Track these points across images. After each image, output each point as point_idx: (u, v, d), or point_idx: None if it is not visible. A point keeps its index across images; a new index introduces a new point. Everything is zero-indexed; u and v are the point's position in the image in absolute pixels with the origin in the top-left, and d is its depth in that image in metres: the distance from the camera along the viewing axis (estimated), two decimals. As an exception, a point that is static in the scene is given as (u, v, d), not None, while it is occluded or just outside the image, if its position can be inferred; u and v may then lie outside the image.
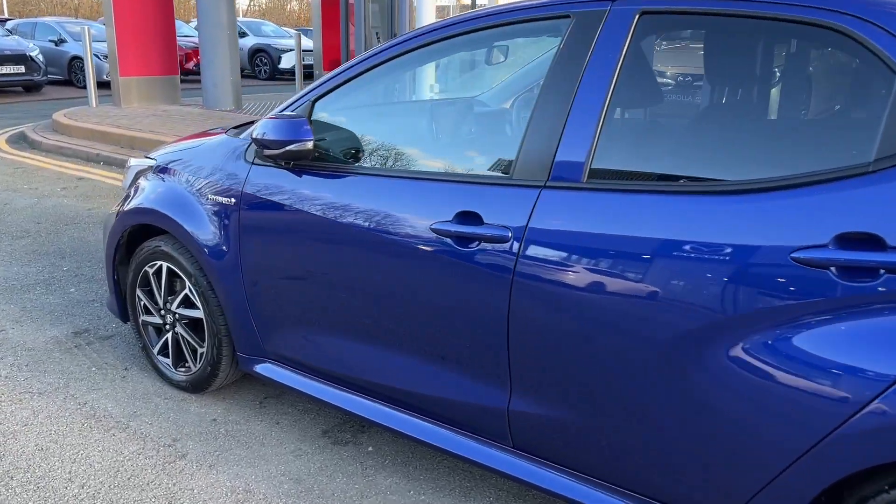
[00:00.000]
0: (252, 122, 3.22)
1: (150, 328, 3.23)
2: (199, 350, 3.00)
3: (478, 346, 2.15)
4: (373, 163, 2.51)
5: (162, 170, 3.03)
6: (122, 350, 3.53)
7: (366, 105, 2.90)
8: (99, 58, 14.66)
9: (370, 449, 2.76)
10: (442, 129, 3.16)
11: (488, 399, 2.18)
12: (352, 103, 2.69)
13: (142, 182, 3.10)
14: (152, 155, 3.19)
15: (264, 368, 2.81)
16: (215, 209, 2.74)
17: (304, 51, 18.96)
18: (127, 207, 3.08)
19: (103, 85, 13.01)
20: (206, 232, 2.76)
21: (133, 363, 3.40)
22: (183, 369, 3.12)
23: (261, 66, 21.11)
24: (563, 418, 2.05)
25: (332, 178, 2.45)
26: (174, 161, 2.99)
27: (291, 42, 20.00)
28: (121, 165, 7.92)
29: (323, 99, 2.56)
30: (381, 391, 2.48)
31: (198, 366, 3.03)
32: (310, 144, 2.41)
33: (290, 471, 2.62)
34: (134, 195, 3.10)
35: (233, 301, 2.76)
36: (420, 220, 2.20)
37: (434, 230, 2.16)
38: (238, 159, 2.73)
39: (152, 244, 3.02)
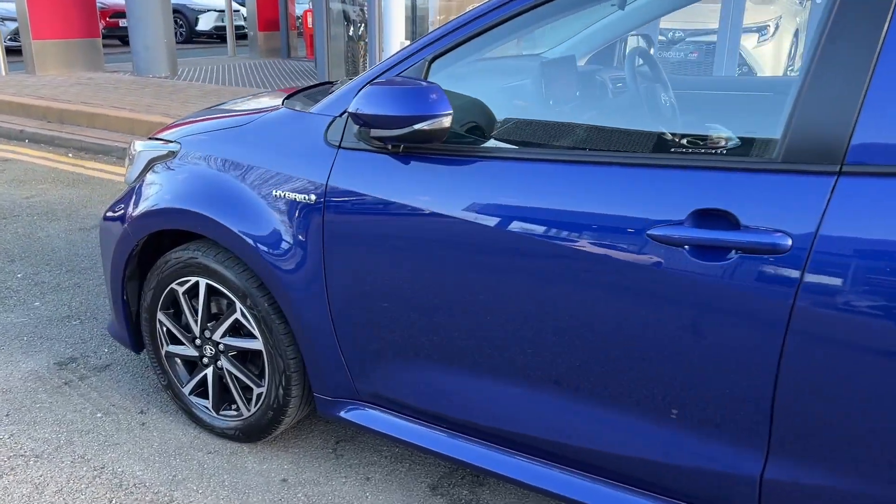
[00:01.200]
0: (313, 89, 2.50)
1: (178, 362, 2.50)
2: (257, 390, 2.31)
3: (720, 395, 1.57)
4: (531, 144, 1.87)
5: (190, 157, 2.28)
6: (129, 385, 2.78)
7: (502, 67, 2.23)
8: (3, 22, 13.08)
9: (501, 509, 2.16)
10: (627, 96, 2.51)
11: (730, 464, 1.61)
12: (481, 66, 2.03)
13: (158, 174, 2.35)
14: (168, 136, 2.43)
15: (357, 415, 2.15)
16: (285, 208, 2.05)
17: (219, 11, 17.68)
18: (141, 208, 2.33)
19: (10, 52, 11.57)
20: (272, 238, 2.06)
21: (150, 403, 2.66)
22: (231, 414, 2.42)
23: (175, 27, 19.61)
24: (853, 491, 1.51)
25: (471, 165, 1.79)
26: (210, 144, 2.26)
27: (209, 1, 18.57)
28: (53, 143, 6.88)
29: (443, 58, 1.89)
30: (537, 446, 1.88)
31: (253, 410, 2.34)
32: (447, 120, 1.74)
33: (410, 551, 2.00)
34: (148, 191, 2.34)
35: (311, 328, 2.08)
36: (626, 222, 1.59)
37: (654, 237, 1.55)
38: (317, 141, 2.02)
39: (183, 255, 2.29)
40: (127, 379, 2.82)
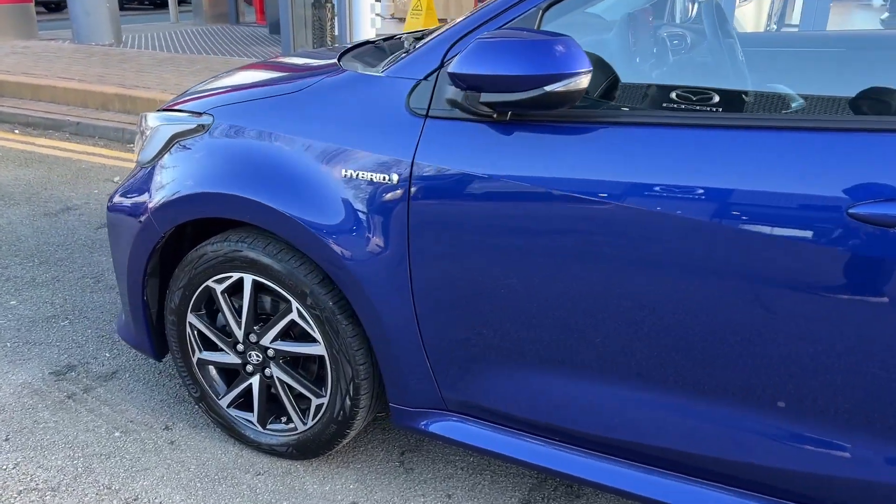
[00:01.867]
0: (375, 45, 2.15)
1: (213, 370, 2.16)
2: (316, 401, 1.99)
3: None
4: (673, 108, 1.58)
5: (228, 130, 1.92)
6: (144, 396, 2.42)
7: (588, 23, 1.91)
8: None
9: (610, 525, 1.91)
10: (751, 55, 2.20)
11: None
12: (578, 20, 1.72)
13: (187, 152, 1.98)
14: (195, 107, 2.05)
15: (443, 427, 1.86)
16: (358, 191, 1.72)
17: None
18: (168, 194, 1.96)
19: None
20: (342, 227, 1.73)
21: (174, 417, 2.31)
22: (281, 428, 2.09)
23: (108, -7, 18.56)
24: None
25: (603, 133, 1.50)
26: (255, 115, 1.90)
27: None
28: (-4, 118, 6.26)
29: (559, 6, 1.58)
30: (661, 455, 1.63)
31: (311, 423, 2.02)
32: (585, 80, 1.44)
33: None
34: (175, 174, 1.97)
35: (392, 330, 1.77)
36: (819, 200, 1.33)
37: (857, 216, 1.30)
38: (397, 110, 1.69)
39: (222, 247, 1.94)
40: (140, 389, 2.46)
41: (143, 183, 2.08)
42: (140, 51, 8.52)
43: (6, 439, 2.19)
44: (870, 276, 1.31)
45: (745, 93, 1.68)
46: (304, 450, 2.06)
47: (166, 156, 2.03)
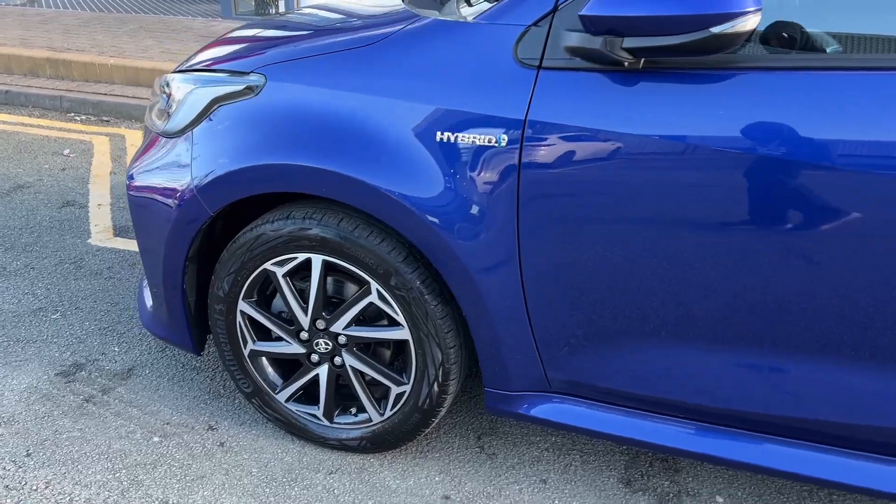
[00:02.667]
0: None
1: (266, 362, 1.94)
2: (397, 389, 1.80)
3: None
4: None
5: (287, 92, 1.67)
6: (173, 393, 2.17)
7: None
8: None
9: (720, 500, 1.81)
10: None
11: None
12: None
13: (234, 119, 1.72)
14: (237, 66, 1.78)
15: (548, 410, 1.71)
16: (456, 156, 1.52)
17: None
18: (217, 168, 1.70)
19: None
20: (438, 197, 1.54)
21: (215, 415, 2.08)
22: (352, 421, 1.90)
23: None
24: None
25: (762, 80, 1.35)
26: (322, 73, 1.65)
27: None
28: None
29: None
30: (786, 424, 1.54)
31: (389, 413, 1.84)
32: (755, 20, 1.27)
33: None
34: (222, 144, 1.72)
35: (495, 308, 1.60)
36: None
37: None
38: (502, 61, 1.49)
39: (284, 226, 1.71)
40: (167, 385, 2.21)
41: (176, 156, 1.81)
42: (59, 10, 7.84)
43: (28, 454, 1.92)
44: None
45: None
46: (381, 442, 1.88)
47: (205, 123, 1.77)
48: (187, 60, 2.03)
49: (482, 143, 1.50)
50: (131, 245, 3.12)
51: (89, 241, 3.16)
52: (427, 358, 1.72)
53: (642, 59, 1.38)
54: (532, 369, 1.68)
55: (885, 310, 1.35)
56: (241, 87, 1.74)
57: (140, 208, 1.90)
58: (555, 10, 1.45)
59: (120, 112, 5.07)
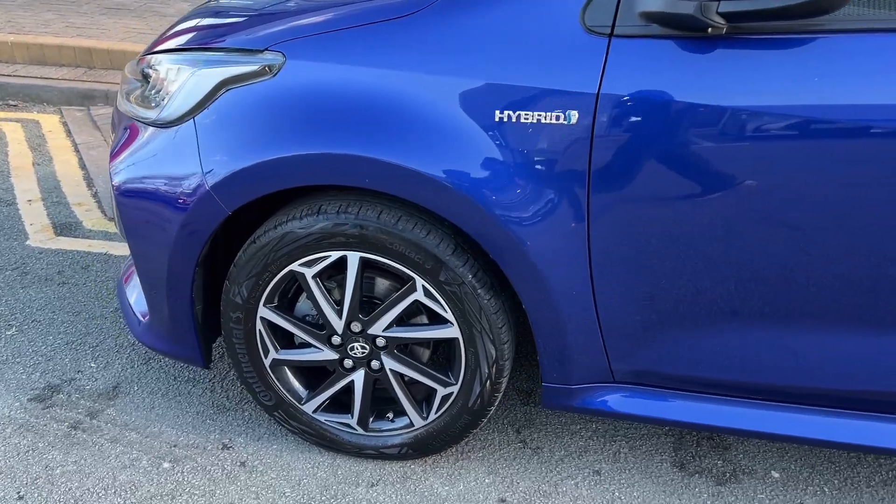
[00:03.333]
0: None
1: (288, 371, 1.76)
2: (444, 391, 1.67)
3: None
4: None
5: (309, 70, 1.48)
6: (172, 410, 1.96)
7: None
8: None
9: (776, 475, 1.78)
10: None
11: None
12: None
13: (248, 103, 1.51)
14: (245, 43, 1.56)
15: (613, 401, 1.61)
16: (520, 137, 1.38)
17: None
18: (236, 162, 1.50)
19: None
20: (497, 181, 1.40)
21: (226, 432, 1.89)
22: (389, 427, 1.76)
23: None
24: None
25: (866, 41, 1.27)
26: (347, 47, 1.47)
27: None
28: None
29: None
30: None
31: (433, 417, 1.71)
32: (861, -19, 1.19)
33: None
34: (234, 133, 1.51)
35: (560, 299, 1.48)
36: None
37: None
38: (568, 29, 1.36)
39: (317, 222, 1.53)
40: (161, 402, 1.99)
41: (176, 148, 1.59)
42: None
43: (20, 497, 1.68)
44: None
45: None
46: (425, 447, 1.75)
47: (210, 110, 1.56)
48: (168, 38, 1.79)
49: (548, 122, 1.37)
50: (79, 244, 2.81)
51: (28, 242, 2.83)
52: (480, 355, 1.59)
53: (726, 25, 1.28)
54: (596, 361, 1.58)
55: None
56: (255, 68, 1.53)
57: (132, 210, 1.67)
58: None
59: (28, 95, 4.60)
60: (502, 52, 1.39)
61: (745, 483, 1.74)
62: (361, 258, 1.56)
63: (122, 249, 2.76)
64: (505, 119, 1.38)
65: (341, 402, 1.77)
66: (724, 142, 1.31)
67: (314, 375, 1.78)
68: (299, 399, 1.76)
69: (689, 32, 1.30)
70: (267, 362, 1.73)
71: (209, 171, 1.53)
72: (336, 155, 1.44)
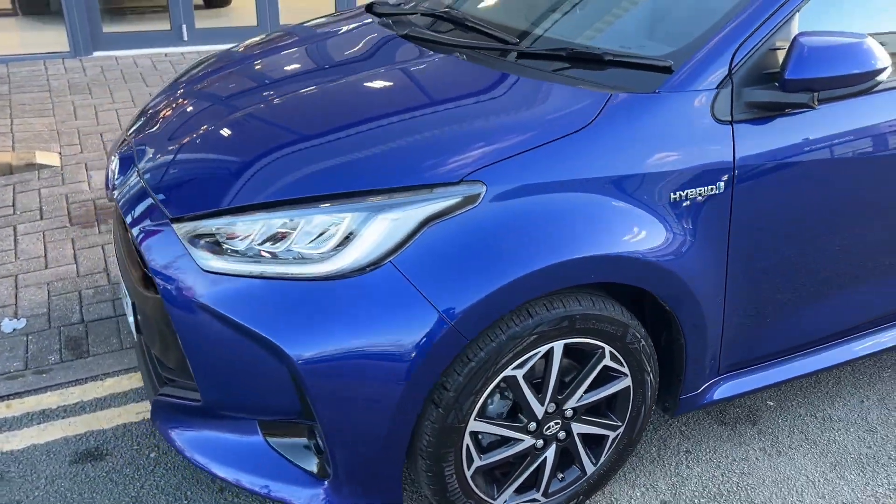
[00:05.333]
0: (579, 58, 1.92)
1: (479, 478, 1.82)
2: (613, 434, 1.93)
3: None
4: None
5: (514, 193, 1.60)
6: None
7: None
8: None
9: (771, 404, 2.45)
10: None
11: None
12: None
13: (451, 235, 1.56)
14: (430, 179, 1.57)
15: (725, 390, 2.07)
16: (686, 208, 1.74)
17: None
18: (474, 290, 1.53)
19: None
20: (676, 248, 1.74)
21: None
22: (565, 484, 1.94)
23: None
24: None
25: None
26: (538, 167, 1.61)
27: None
28: None
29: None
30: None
31: (603, 458, 1.95)
32: (888, 69, 1.79)
33: None
34: (453, 267, 1.55)
35: (709, 324, 1.88)
36: None
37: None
38: (705, 122, 1.74)
39: (531, 325, 1.64)
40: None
41: (381, 296, 1.54)
42: None
43: None
44: None
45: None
46: (596, 487, 1.99)
47: (414, 248, 1.56)
48: (241, 192, 1.66)
49: (707, 193, 1.75)
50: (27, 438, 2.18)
51: None
52: (645, 393, 1.90)
53: (816, 95, 1.78)
54: (713, 365, 2.01)
55: None
56: (457, 200, 1.58)
57: (336, 378, 1.55)
58: (730, 73, 1.76)
59: None
60: (666, 145, 1.71)
61: (762, 418, 2.37)
62: (564, 345, 1.73)
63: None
64: (678, 199, 1.72)
65: (496, 481, 1.88)
66: (822, 178, 1.87)
67: (491, 472, 1.86)
68: (493, 497, 1.84)
69: (784, 110, 1.79)
70: (469, 473, 1.77)
71: (446, 307, 1.53)
72: (569, 261, 1.60)
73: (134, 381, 2.50)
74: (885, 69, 1.76)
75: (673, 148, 1.72)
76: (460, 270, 1.56)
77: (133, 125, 2.27)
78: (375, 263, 1.55)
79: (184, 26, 5.74)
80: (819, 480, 2.14)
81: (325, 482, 1.68)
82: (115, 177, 1.99)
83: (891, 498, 2.09)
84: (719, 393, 2.07)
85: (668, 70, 1.78)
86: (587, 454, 1.93)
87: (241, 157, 1.77)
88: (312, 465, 1.71)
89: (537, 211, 1.61)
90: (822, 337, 2.18)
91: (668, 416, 2.19)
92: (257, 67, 2.36)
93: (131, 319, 1.95)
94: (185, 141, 1.92)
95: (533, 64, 1.97)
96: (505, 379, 1.69)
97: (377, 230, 1.56)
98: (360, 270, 1.55)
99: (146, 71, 5.43)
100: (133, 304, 1.90)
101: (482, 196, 1.58)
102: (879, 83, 1.86)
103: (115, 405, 2.39)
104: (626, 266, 1.68)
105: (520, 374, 1.70)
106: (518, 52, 2.04)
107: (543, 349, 1.70)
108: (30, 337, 2.69)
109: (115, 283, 2.99)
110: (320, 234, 1.58)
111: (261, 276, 1.59)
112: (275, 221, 1.61)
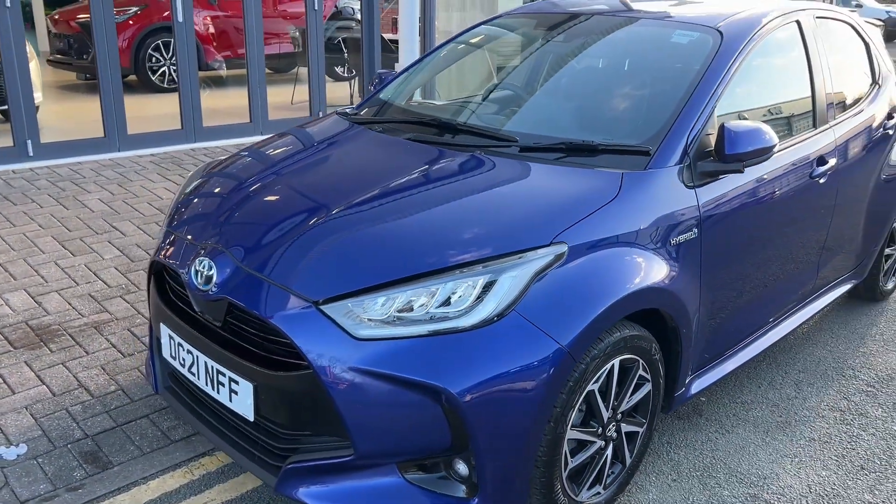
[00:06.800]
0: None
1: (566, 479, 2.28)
2: (642, 429, 2.49)
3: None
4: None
5: (583, 250, 2.15)
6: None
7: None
8: None
9: (703, 399, 3.17)
10: None
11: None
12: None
13: (550, 285, 2.07)
14: (525, 244, 2.07)
15: (694, 387, 2.73)
16: (675, 248, 2.40)
17: None
18: (576, 324, 2.05)
19: None
20: (677, 277, 2.39)
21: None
22: (612, 478, 2.46)
23: None
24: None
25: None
26: (591, 230, 2.19)
27: None
28: None
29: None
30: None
31: (636, 452, 2.50)
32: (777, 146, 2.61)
33: None
34: (557, 308, 2.06)
35: (694, 330, 2.53)
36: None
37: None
38: (680, 190, 2.44)
39: (604, 348, 2.18)
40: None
41: (513, 338, 1.99)
42: None
43: None
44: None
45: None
46: (630, 477, 2.51)
47: (529, 297, 2.03)
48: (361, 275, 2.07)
49: (682, 239, 2.43)
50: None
51: None
52: (659, 394, 2.50)
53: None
54: (690, 367, 2.67)
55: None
56: (551, 258, 2.09)
57: (487, 407, 1.95)
58: (686, 153, 2.49)
59: None
60: (662, 207, 2.37)
61: (705, 410, 3.08)
62: (620, 360, 2.28)
63: None
64: (674, 243, 2.39)
65: (587, 481, 2.37)
66: (748, 219, 2.65)
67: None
68: (576, 494, 2.30)
69: (723, 174, 2.55)
70: (565, 475, 2.22)
71: (561, 339, 2.02)
72: (625, 296, 2.17)
73: (178, 478, 2.59)
74: (777, 143, 2.59)
75: (666, 208, 2.39)
76: (564, 311, 2.06)
77: (184, 228, 2.48)
78: (502, 313, 2.00)
79: (28, 142, 5.56)
80: (762, 445, 2.87)
81: (476, 498, 2.04)
82: (217, 277, 2.20)
83: (811, 445, 2.87)
84: (693, 388, 2.73)
85: (646, 153, 2.47)
86: (627, 449, 2.47)
87: (362, 243, 2.13)
88: (460, 491, 2.06)
89: (599, 260, 2.18)
90: (758, 328, 2.95)
91: (664, 413, 2.79)
92: (314, 161, 2.77)
93: (250, 402, 2.15)
94: (291, 234, 2.22)
95: (541, 156, 2.56)
96: (587, 394, 2.19)
97: (503, 287, 2.01)
98: (492, 320, 1.99)
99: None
100: (255, 388, 2.12)
101: (566, 254, 2.11)
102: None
103: (176, 502, 2.48)
104: (652, 294, 2.28)
105: (596, 388, 2.21)
106: (522, 146, 2.62)
107: (608, 366, 2.23)
108: (39, 460, 2.64)
109: (100, 395, 3.00)
110: (457, 296, 1.99)
111: (411, 337, 1.96)
112: (411, 291, 1.99)
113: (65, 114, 7.45)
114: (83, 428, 2.81)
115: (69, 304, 3.72)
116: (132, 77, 8.86)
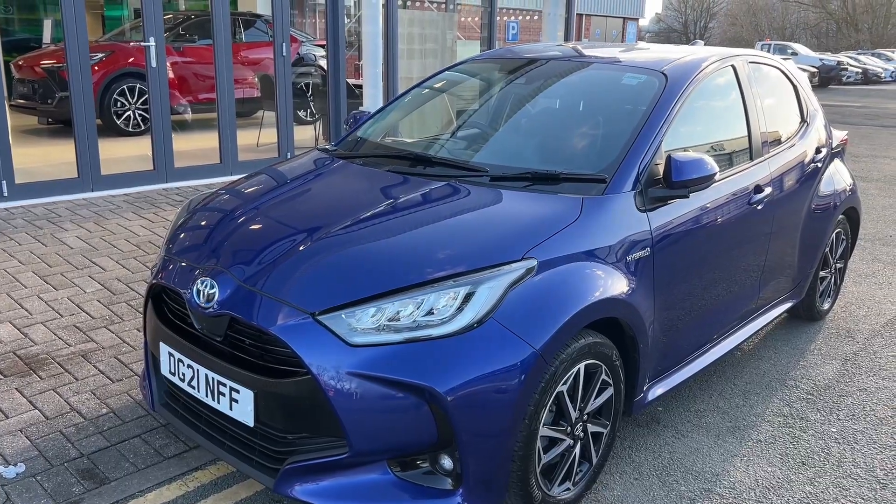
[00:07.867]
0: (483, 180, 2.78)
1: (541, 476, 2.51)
2: (606, 430, 2.74)
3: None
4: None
5: (548, 264, 2.42)
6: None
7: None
8: None
9: (660, 409, 3.44)
10: None
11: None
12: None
13: (521, 295, 2.33)
14: (499, 259, 2.33)
15: (651, 393, 2.99)
16: (633, 264, 2.68)
17: None
18: (548, 329, 2.31)
19: None
20: (634, 290, 2.67)
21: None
22: (581, 475, 2.68)
23: None
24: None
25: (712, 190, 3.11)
26: (555, 248, 2.46)
27: None
28: None
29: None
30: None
31: (601, 454, 2.74)
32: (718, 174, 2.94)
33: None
34: (531, 316, 2.32)
35: (649, 338, 2.79)
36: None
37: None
38: (634, 214, 2.73)
39: (572, 352, 2.43)
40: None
41: (494, 342, 2.23)
42: None
43: None
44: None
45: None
46: (596, 475, 2.75)
47: (504, 306, 2.28)
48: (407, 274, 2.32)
49: (638, 257, 2.72)
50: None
51: None
52: (620, 399, 2.76)
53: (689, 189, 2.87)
54: (647, 375, 2.94)
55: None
56: (522, 272, 2.36)
57: (470, 406, 2.18)
58: (638, 180, 2.80)
59: None
60: (618, 228, 2.66)
61: (662, 418, 3.35)
62: (585, 364, 2.53)
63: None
64: (631, 259, 2.67)
65: (558, 477, 2.59)
66: (693, 238, 2.94)
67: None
68: (548, 489, 2.52)
69: (673, 199, 2.86)
70: (538, 470, 2.45)
71: (538, 342, 2.27)
72: (589, 304, 2.43)
73: (174, 490, 2.74)
74: (718, 171, 2.91)
75: (622, 228, 2.68)
76: (535, 318, 2.32)
77: (184, 253, 2.69)
78: (482, 320, 2.24)
79: (3, 182, 5.67)
80: (714, 447, 3.13)
81: (460, 490, 2.26)
82: (219, 295, 2.41)
83: (758, 446, 3.15)
84: (650, 395, 2.99)
85: (603, 181, 2.77)
86: (594, 448, 2.71)
87: (354, 260, 2.36)
88: (446, 484, 2.27)
89: (565, 274, 2.44)
90: (707, 342, 3.24)
91: (625, 417, 3.04)
92: (298, 191, 3.04)
93: (250, 409, 2.34)
94: (287, 253, 2.44)
95: (510, 184, 2.84)
96: (557, 395, 2.44)
97: (482, 297, 2.26)
98: (473, 326, 2.23)
99: (-31, 229, 5.28)
100: (255, 395, 2.32)
101: (535, 268, 2.38)
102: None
103: (175, 511, 2.63)
104: (612, 304, 2.55)
105: (565, 389, 2.46)
106: (492, 176, 2.90)
107: (574, 370, 2.49)
108: (38, 477, 2.77)
109: (92, 418, 3.13)
110: (441, 305, 2.23)
111: (400, 342, 2.19)
112: (399, 302, 2.23)
113: (34, 156, 7.55)
114: (78, 448, 2.94)
115: (55, 334, 3.84)
116: (98, 121, 8.99)
